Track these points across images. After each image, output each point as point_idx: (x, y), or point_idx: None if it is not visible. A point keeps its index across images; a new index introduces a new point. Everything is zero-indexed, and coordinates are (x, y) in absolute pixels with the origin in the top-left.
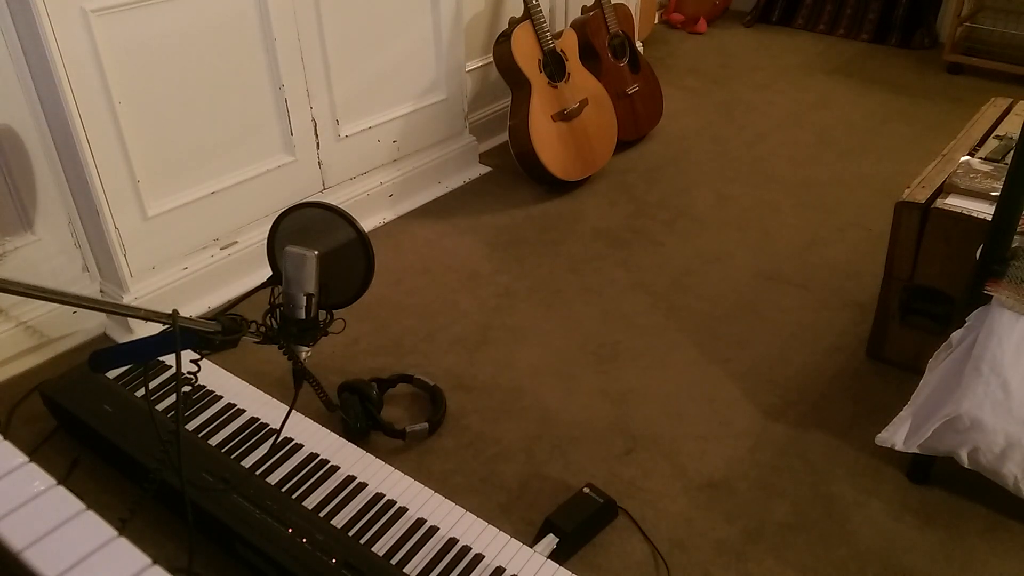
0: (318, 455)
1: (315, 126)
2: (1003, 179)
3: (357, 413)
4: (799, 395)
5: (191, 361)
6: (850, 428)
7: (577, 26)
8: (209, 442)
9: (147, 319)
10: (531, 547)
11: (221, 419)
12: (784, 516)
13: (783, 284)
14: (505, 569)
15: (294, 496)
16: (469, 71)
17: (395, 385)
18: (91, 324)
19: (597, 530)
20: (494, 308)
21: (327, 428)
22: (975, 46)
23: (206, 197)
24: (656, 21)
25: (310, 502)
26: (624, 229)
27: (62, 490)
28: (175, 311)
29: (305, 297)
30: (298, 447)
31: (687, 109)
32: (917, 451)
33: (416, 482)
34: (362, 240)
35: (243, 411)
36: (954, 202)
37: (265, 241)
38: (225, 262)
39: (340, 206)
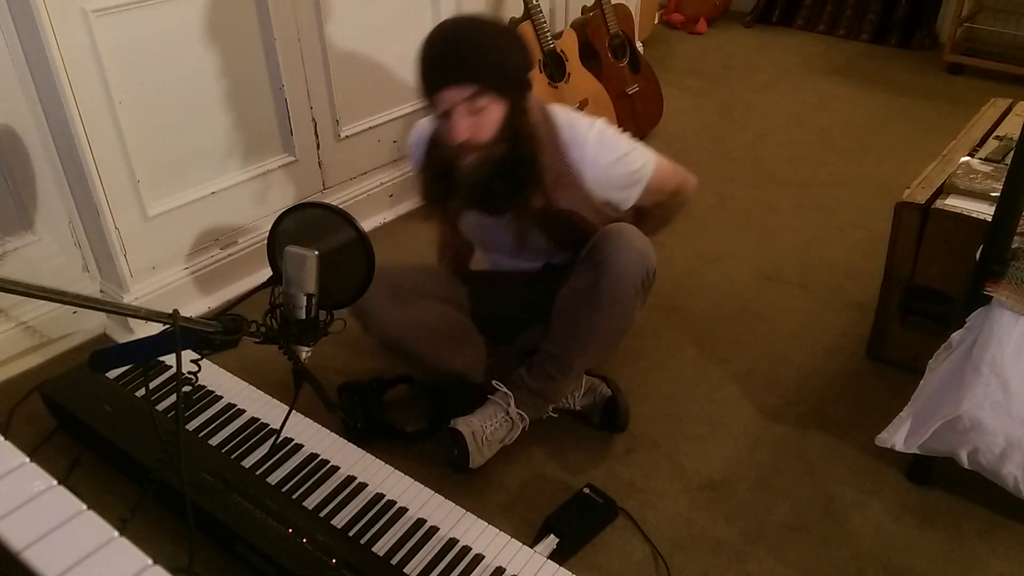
0: (318, 455)
1: (315, 126)
2: (1003, 180)
3: (357, 414)
4: (799, 395)
5: (191, 361)
6: (850, 428)
7: (577, 26)
8: (209, 442)
9: (147, 319)
10: (531, 547)
11: (221, 419)
12: (784, 516)
13: (783, 284)
14: (505, 569)
15: (294, 496)
16: None
17: (395, 385)
18: (91, 324)
19: (597, 530)
20: None
21: (327, 428)
22: (975, 47)
23: (206, 197)
24: (656, 21)
25: (310, 502)
26: None
27: (62, 490)
28: (175, 311)
29: (305, 297)
30: (298, 447)
31: (687, 109)
32: (917, 452)
33: (416, 482)
34: (362, 240)
35: (243, 411)
36: (954, 203)
37: (265, 241)
38: (225, 262)
39: (340, 206)
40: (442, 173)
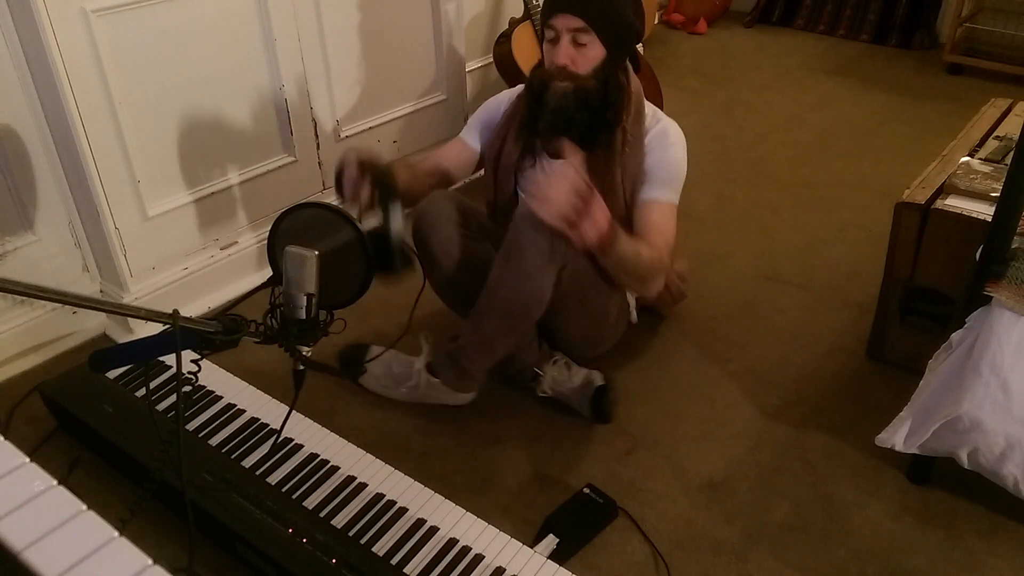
0: (318, 455)
1: (315, 126)
2: (1003, 180)
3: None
4: (799, 396)
5: (191, 361)
6: (850, 429)
7: None
8: (209, 442)
9: (147, 319)
10: (531, 547)
11: (221, 419)
12: (784, 516)
13: (783, 284)
14: (505, 569)
15: (294, 496)
16: (469, 71)
17: None
18: (91, 324)
19: (597, 530)
20: None
21: (327, 428)
22: (975, 47)
23: (206, 197)
24: (656, 21)
25: (310, 502)
26: None
27: (62, 490)
28: (175, 311)
29: (305, 297)
30: (298, 447)
31: (687, 109)
32: (917, 452)
33: (416, 482)
34: (362, 240)
35: (243, 411)
36: (954, 203)
37: (265, 241)
38: (225, 262)
39: (340, 206)
40: (537, 92)
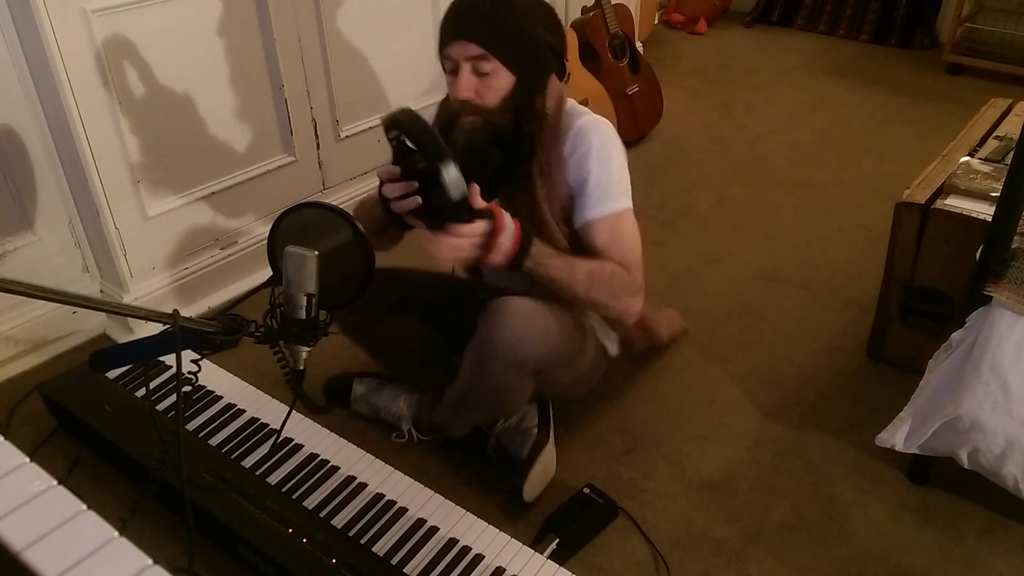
0: (318, 455)
1: (315, 126)
2: (1003, 180)
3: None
4: (799, 395)
5: (191, 361)
6: (850, 428)
7: (577, 26)
8: (209, 442)
9: (147, 319)
10: (531, 547)
11: (221, 419)
12: (784, 516)
13: (783, 284)
14: (505, 569)
15: (294, 496)
16: None
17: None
18: (91, 324)
19: (597, 530)
20: None
21: (327, 428)
22: (975, 47)
23: (206, 197)
24: (656, 21)
25: (310, 502)
26: None
27: (62, 490)
28: (175, 311)
29: (305, 297)
30: (298, 447)
31: (687, 109)
32: (917, 452)
33: (416, 482)
34: (362, 240)
35: (243, 411)
36: (954, 203)
37: (265, 241)
38: (225, 262)
39: (340, 206)
40: (445, 129)
